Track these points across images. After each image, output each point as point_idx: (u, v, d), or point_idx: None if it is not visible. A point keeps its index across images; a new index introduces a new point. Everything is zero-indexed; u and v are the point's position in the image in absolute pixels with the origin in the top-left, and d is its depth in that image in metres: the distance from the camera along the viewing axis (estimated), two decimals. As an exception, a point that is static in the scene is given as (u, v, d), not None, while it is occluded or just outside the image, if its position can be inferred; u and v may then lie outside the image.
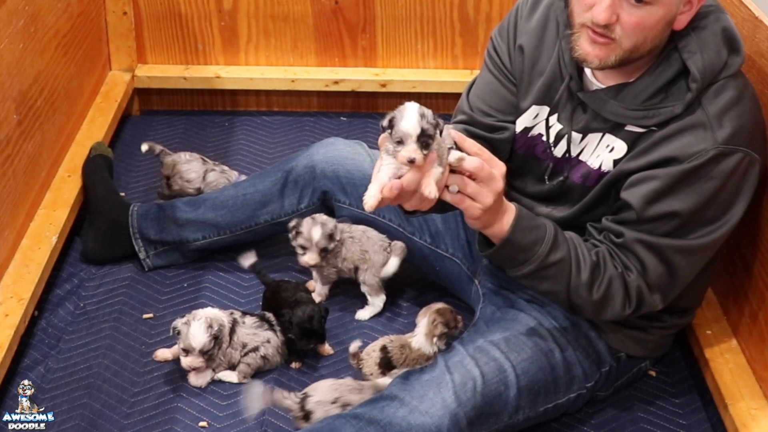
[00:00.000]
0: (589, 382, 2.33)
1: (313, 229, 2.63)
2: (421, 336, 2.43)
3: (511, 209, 2.07)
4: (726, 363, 2.41)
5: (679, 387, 2.51)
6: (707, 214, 2.10)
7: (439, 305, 2.46)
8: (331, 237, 2.64)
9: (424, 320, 2.44)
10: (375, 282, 2.70)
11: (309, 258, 2.65)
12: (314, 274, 2.76)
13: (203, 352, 2.40)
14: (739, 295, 2.47)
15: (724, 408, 2.30)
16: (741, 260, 2.45)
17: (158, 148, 3.17)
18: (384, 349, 2.42)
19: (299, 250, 2.66)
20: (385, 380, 2.31)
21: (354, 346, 2.45)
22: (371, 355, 2.43)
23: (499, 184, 1.98)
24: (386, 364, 2.40)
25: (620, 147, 2.15)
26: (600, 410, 2.42)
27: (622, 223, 2.13)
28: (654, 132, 2.10)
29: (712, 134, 2.04)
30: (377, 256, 2.68)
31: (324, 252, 2.65)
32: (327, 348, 2.56)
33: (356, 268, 2.70)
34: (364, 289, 2.72)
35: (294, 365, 2.53)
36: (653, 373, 2.53)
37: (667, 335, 2.43)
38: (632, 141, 2.13)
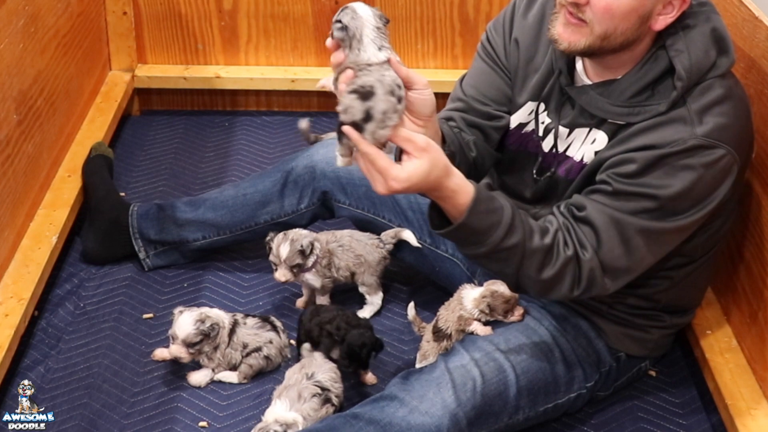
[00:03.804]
0: (589, 382, 2.33)
1: (282, 245, 2.58)
2: (470, 297, 2.34)
3: (468, 191, 1.98)
4: (726, 363, 2.41)
5: (679, 387, 2.51)
6: (678, 203, 2.07)
7: (502, 288, 2.30)
8: (303, 253, 2.59)
9: (481, 289, 2.35)
10: (373, 281, 2.69)
11: (279, 275, 2.60)
12: (303, 288, 2.74)
13: (187, 344, 2.40)
14: (738, 295, 2.47)
15: (724, 408, 2.30)
16: (741, 260, 2.45)
17: (312, 136, 3.13)
18: (437, 319, 2.41)
19: (273, 266, 2.64)
20: None
21: (411, 310, 2.45)
22: (430, 325, 2.43)
23: (383, 187, 1.90)
24: (438, 332, 2.38)
25: (601, 138, 2.15)
26: (600, 410, 2.42)
27: (592, 196, 2.11)
28: (635, 123, 2.10)
29: (692, 128, 2.03)
30: (371, 256, 2.67)
31: (297, 268, 2.60)
32: (370, 377, 2.46)
33: (353, 274, 2.69)
34: (362, 289, 2.71)
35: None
36: (653, 373, 2.53)
37: (667, 335, 2.43)
38: (612, 132, 2.14)
